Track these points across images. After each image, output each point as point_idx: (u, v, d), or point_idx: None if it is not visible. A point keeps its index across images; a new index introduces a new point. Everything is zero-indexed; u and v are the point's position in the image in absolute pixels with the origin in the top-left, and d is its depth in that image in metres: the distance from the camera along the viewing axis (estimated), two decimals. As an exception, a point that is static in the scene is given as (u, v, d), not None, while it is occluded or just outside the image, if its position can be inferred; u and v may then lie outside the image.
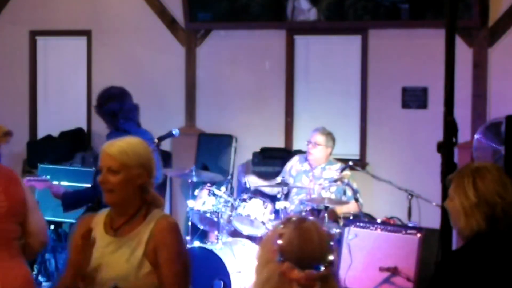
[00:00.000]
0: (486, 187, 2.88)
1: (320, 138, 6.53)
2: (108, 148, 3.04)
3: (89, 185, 5.40)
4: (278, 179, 6.49)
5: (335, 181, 6.25)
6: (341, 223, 5.87)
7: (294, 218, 2.31)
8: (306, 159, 6.66)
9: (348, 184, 6.20)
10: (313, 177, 6.55)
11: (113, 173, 3.00)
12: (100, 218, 3.15)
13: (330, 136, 6.58)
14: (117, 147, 3.02)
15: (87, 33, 8.52)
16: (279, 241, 2.24)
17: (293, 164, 6.74)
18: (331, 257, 2.24)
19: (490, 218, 2.87)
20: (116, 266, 2.98)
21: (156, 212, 3.06)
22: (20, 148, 8.39)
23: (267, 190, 6.59)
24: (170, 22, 8.17)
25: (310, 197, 6.41)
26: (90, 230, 3.03)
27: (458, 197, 2.94)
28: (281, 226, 2.29)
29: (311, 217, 2.33)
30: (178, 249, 3.01)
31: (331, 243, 2.27)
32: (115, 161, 3.00)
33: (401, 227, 5.60)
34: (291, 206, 6.43)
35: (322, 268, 2.22)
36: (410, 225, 5.71)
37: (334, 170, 6.47)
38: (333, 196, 6.26)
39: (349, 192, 6.25)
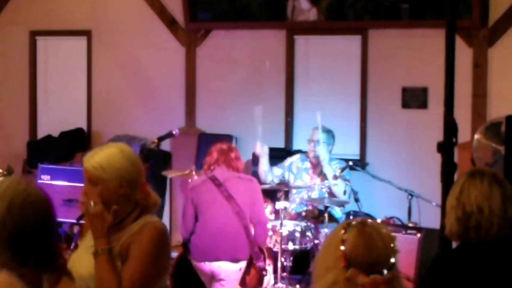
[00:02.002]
0: (468, 195, 2.88)
1: (320, 136, 6.53)
2: (86, 161, 3.05)
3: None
4: (276, 171, 6.48)
5: (335, 178, 6.26)
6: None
7: (354, 222, 2.32)
8: (307, 158, 6.67)
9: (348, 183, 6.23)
10: (313, 174, 6.56)
11: (93, 184, 3.02)
12: None
13: (330, 134, 6.59)
14: (92, 162, 3.02)
15: (87, 33, 8.52)
16: (343, 247, 2.26)
17: (294, 161, 6.73)
18: (393, 260, 2.27)
19: (462, 224, 2.86)
20: (91, 266, 2.98)
21: (147, 218, 3.05)
22: (20, 148, 8.39)
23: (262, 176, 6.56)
24: (170, 22, 8.16)
25: (311, 195, 6.42)
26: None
27: (449, 195, 2.98)
28: (343, 231, 2.29)
29: (370, 220, 2.34)
30: (149, 250, 2.95)
31: (393, 244, 2.29)
32: (92, 174, 3.02)
33: (401, 227, 5.60)
34: (291, 205, 6.44)
35: (386, 272, 2.24)
36: (410, 225, 5.72)
37: (334, 168, 6.47)
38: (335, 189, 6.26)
39: (348, 191, 6.27)
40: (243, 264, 5.31)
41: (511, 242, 2.88)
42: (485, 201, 2.86)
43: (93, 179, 3.01)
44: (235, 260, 5.24)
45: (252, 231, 5.36)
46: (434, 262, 2.93)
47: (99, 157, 3.03)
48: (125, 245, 2.97)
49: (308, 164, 6.64)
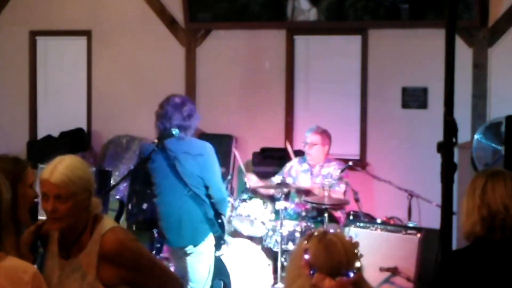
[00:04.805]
0: (493, 194, 2.91)
1: (315, 138, 6.51)
2: (51, 176, 2.86)
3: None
4: (276, 179, 6.48)
5: (334, 180, 6.26)
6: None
7: (316, 233, 2.36)
8: (305, 160, 6.66)
9: (347, 183, 6.22)
10: (311, 175, 6.55)
11: (62, 201, 2.86)
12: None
13: (325, 134, 6.56)
14: (62, 176, 2.85)
15: (87, 33, 8.53)
16: (306, 256, 2.29)
17: (293, 165, 6.73)
18: (358, 264, 2.29)
19: (487, 223, 2.88)
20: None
21: (100, 227, 2.95)
22: (20, 148, 8.38)
23: (264, 190, 6.53)
24: (170, 22, 8.17)
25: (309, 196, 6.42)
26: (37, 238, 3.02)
27: (466, 196, 2.99)
28: (305, 242, 2.34)
29: (331, 230, 2.38)
30: (140, 258, 2.98)
31: (356, 250, 2.32)
32: (62, 189, 2.85)
33: (401, 227, 5.60)
34: (291, 205, 6.43)
35: (352, 274, 2.26)
36: (410, 225, 5.72)
37: (332, 168, 6.47)
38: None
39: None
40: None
41: None
42: (510, 202, 2.89)
43: (64, 194, 2.85)
44: (197, 245, 5.11)
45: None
46: (445, 260, 2.93)
47: (66, 171, 2.87)
48: (104, 270, 2.89)
49: (306, 166, 6.63)
